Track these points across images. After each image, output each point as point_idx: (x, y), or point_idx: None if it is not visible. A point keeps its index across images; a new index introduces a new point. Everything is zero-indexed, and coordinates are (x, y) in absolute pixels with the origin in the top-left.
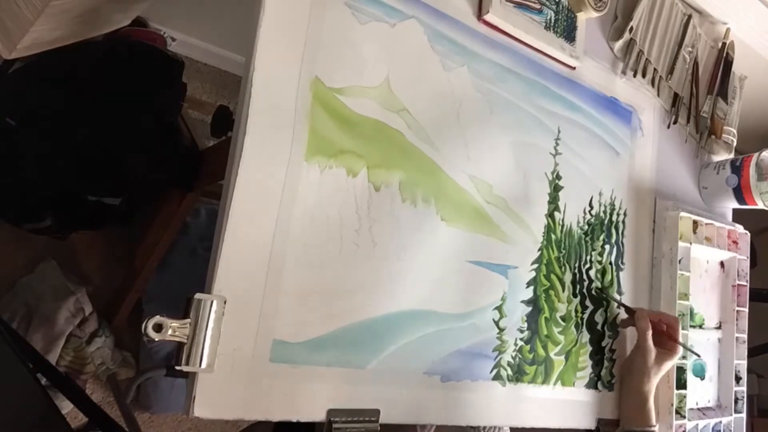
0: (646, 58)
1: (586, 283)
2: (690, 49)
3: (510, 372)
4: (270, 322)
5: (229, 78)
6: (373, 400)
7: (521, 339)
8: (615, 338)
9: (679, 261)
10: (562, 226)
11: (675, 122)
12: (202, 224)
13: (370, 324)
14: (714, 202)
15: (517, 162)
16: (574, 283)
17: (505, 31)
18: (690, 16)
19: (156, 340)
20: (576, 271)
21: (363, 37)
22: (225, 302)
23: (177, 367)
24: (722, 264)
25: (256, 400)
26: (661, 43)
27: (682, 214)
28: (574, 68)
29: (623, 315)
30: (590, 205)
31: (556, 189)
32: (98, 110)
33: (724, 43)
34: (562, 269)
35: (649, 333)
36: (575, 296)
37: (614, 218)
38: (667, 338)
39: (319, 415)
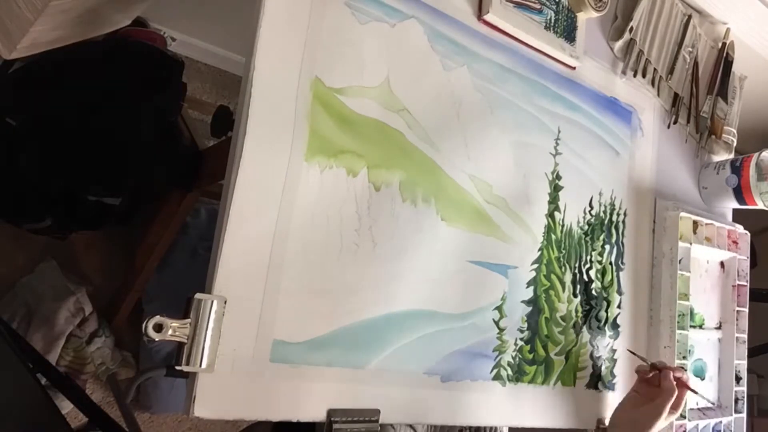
0: (646, 58)
1: (586, 283)
2: (690, 49)
3: (510, 372)
4: (270, 322)
5: (229, 78)
6: (373, 399)
7: (521, 339)
8: (615, 338)
9: (679, 261)
10: (562, 226)
11: (675, 122)
12: (202, 224)
13: (370, 324)
14: (714, 202)
15: (517, 162)
16: (574, 283)
17: (505, 31)
18: (690, 16)
19: (156, 340)
20: (576, 271)
21: (363, 37)
22: (225, 302)
23: (177, 367)
24: (722, 264)
25: (256, 400)
26: (661, 43)
27: (682, 214)
28: (574, 68)
29: (638, 361)
30: (590, 205)
31: (556, 189)
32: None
33: (724, 43)
34: (562, 269)
35: (675, 394)
36: (575, 296)
37: (614, 218)
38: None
39: (319, 415)
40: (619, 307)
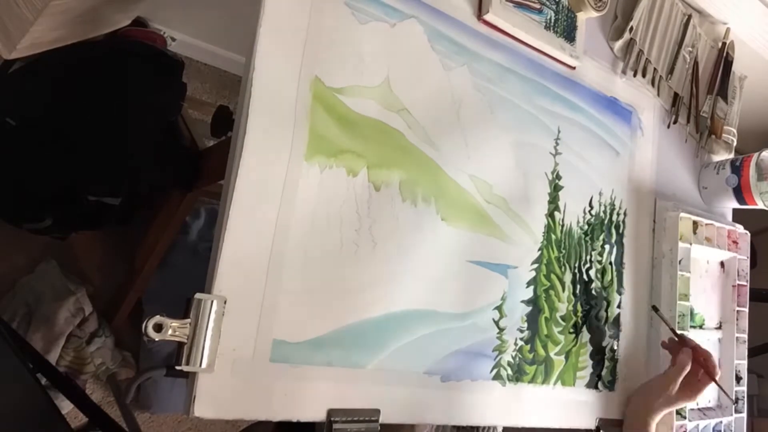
0: (646, 58)
1: (586, 283)
2: (690, 49)
3: (510, 372)
4: (270, 321)
5: (229, 78)
6: (373, 399)
7: (521, 339)
8: (615, 338)
9: (680, 262)
10: (562, 225)
11: (675, 122)
12: (202, 224)
13: (370, 324)
14: (714, 202)
15: (517, 162)
16: (574, 282)
17: (505, 30)
18: (690, 16)
19: (156, 340)
20: (576, 270)
21: (363, 37)
22: (225, 302)
23: (177, 367)
24: (722, 264)
25: (257, 399)
26: (661, 43)
27: (682, 214)
28: (574, 68)
29: (667, 334)
30: (590, 204)
31: (556, 189)
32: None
33: (724, 43)
34: (562, 269)
35: (687, 369)
36: (575, 296)
37: (614, 218)
38: (696, 380)
39: (319, 415)
40: (618, 306)
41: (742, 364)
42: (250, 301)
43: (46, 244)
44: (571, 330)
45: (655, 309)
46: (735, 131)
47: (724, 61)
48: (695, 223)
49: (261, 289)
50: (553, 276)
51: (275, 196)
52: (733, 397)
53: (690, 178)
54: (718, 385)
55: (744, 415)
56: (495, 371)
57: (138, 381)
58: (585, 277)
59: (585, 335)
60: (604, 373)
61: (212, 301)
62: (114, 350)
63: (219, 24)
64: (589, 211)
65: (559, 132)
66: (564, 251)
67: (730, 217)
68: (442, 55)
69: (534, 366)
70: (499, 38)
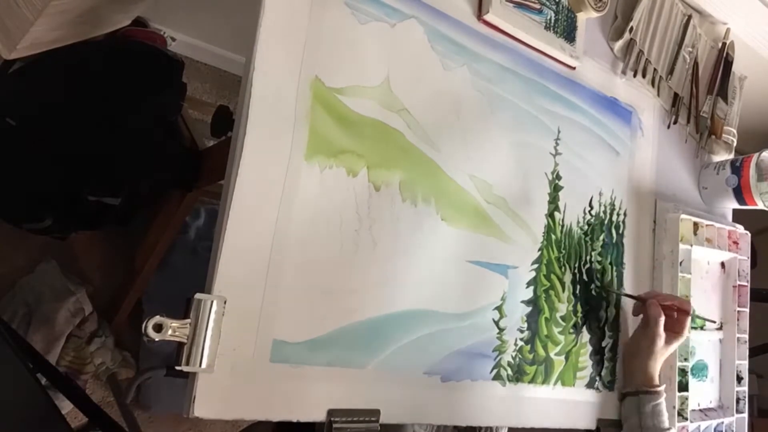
0: (646, 58)
1: (586, 283)
2: (690, 49)
3: (510, 372)
4: (270, 322)
5: (229, 78)
6: (373, 400)
7: (521, 339)
8: (615, 338)
9: (680, 263)
10: (562, 226)
11: (675, 122)
12: (202, 224)
13: (370, 324)
14: (714, 203)
15: (517, 162)
16: (574, 283)
17: (505, 31)
18: (690, 16)
19: (156, 340)
20: (576, 271)
21: (363, 37)
22: (225, 302)
23: (177, 368)
24: (723, 264)
25: (256, 400)
26: (661, 43)
27: (683, 216)
28: (574, 68)
29: (630, 303)
30: (590, 205)
31: (556, 189)
32: (98, 110)
33: (724, 43)
34: (562, 269)
35: (662, 320)
36: (575, 296)
37: (614, 218)
38: (674, 321)
39: (319, 415)
40: (617, 307)
41: (743, 365)
42: (250, 301)
43: (46, 244)
44: (571, 330)
45: (606, 288)
46: (735, 131)
47: (724, 61)
48: (696, 224)
49: (261, 289)
50: (553, 276)
51: (275, 196)
52: (718, 322)
53: (690, 179)
54: (697, 315)
55: (745, 415)
56: (495, 371)
57: (138, 381)
58: (585, 277)
59: (585, 335)
60: (603, 373)
61: (212, 301)
62: (114, 350)
63: (219, 24)
64: (589, 212)
65: (559, 132)
66: (564, 251)
67: (730, 218)
68: (442, 55)
69: (534, 366)
70: (499, 38)
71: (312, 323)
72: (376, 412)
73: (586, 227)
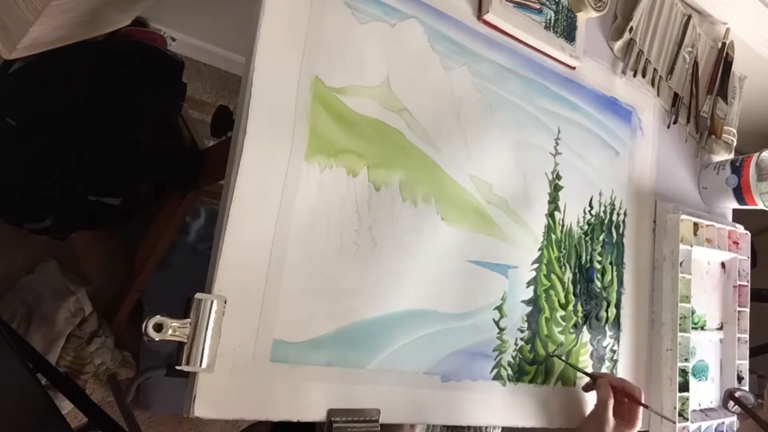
0: (646, 58)
1: (586, 283)
2: (690, 49)
3: (510, 372)
4: (270, 321)
5: (229, 78)
6: (373, 399)
7: (521, 339)
8: (616, 338)
9: (681, 264)
10: (562, 225)
11: (675, 122)
12: (202, 224)
13: (370, 324)
14: (714, 203)
15: (517, 162)
16: (574, 282)
17: (505, 31)
18: (690, 16)
19: (156, 339)
20: (576, 270)
21: (363, 37)
22: (225, 302)
23: (177, 367)
24: (723, 265)
25: (257, 400)
26: (661, 43)
27: (683, 216)
28: (574, 68)
29: (585, 380)
30: (590, 204)
31: (556, 189)
32: (98, 110)
33: (724, 43)
34: (563, 269)
35: (611, 402)
36: (575, 296)
37: (614, 218)
38: (626, 409)
39: (319, 415)
40: (618, 306)
41: (744, 365)
42: (251, 301)
43: (46, 244)
44: (572, 330)
45: (555, 355)
46: (735, 131)
47: (723, 61)
48: (696, 224)
49: (261, 288)
50: (553, 276)
51: (275, 196)
52: (674, 419)
53: (690, 179)
54: (647, 407)
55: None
56: (495, 371)
57: (138, 381)
58: (585, 277)
59: (585, 335)
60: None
61: (212, 301)
62: (114, 350)
63: (219, 24)
64: (589, 211)
65: (559, 132)
66: (564, 251)
67: (730, 218)
68: (442, 55)
69: (534, 366)
70: (499, 38)
71: (312, 323)
72: (376, 412)
73: (586, 227)
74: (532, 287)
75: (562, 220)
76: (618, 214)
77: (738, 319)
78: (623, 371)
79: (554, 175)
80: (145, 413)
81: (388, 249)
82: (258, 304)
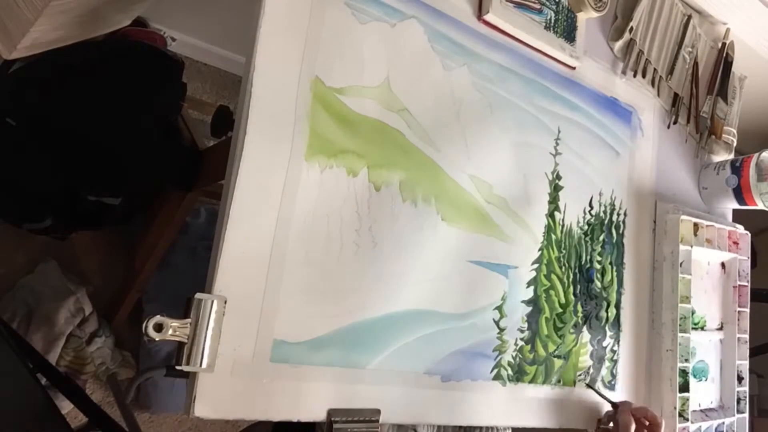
0: (646, 58)
1: (586, 283)
2: (690, 49)
3: (510, 372)
4: (270, 321)
5: (229, 78)
6: (373, 399)
7: (521, 339)
8: (616, 338)
9: (681, 264)
10: (563, 226)
11: (675, 122)
12: (202, 224)
13: (370, 324)
14: (714, 203)
15: (517, 162)
16: (574, 282)
17: (505, 31)
18: (690, 16)
19: (156, 339)
20: (576, 270)
21: (363, 37)
22: (225, 302)
23: (177, 367)
24: (723, 265)
25: (257, 400)
26: (661, 43)
27: (683, 217)
28: (574, 68)
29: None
30: (590, 205)
31: (556, 189)
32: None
33: (724, 43)
34: (563, 269)
35: (633, 428)
36: (575, 296)
37: (614, 218)
38: None
39: (319, 415)
40: (618, 307)
41: (744, 365)
42: (251, 301)
43: (46, 244)
44: (572, 330)
45: (589, 386)
46: (735, 131)
47: (723, 61)
48: (696, 224)
49: (261, 289)
50: (553, 276)
51: (275, 196)
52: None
53: (690, 179)
54: None
55: (746, 415)
56: (495, 371)
57: (138, 381)
58: (585, 277)
59: (585, 335)
60: (604, 373)
61: (212, 301)
62: (114, 350)
63: (219, 24)
64: (589, 212)
65: (559, 132)
66: (564, 251)
67: (730, 217)
68: (442, 55)
69: (534, 366)
70: (499, 38)
71: (312, 323)
72: (376, 412)
73: (586, 227)
74: (532, 287)
75: (562, 220)
76: (618, 215)
77: (738, 319)
78: (623, 371)
79: (554, 175)
80: (145, 413)
81: (388, 249)
82: (258, 304)
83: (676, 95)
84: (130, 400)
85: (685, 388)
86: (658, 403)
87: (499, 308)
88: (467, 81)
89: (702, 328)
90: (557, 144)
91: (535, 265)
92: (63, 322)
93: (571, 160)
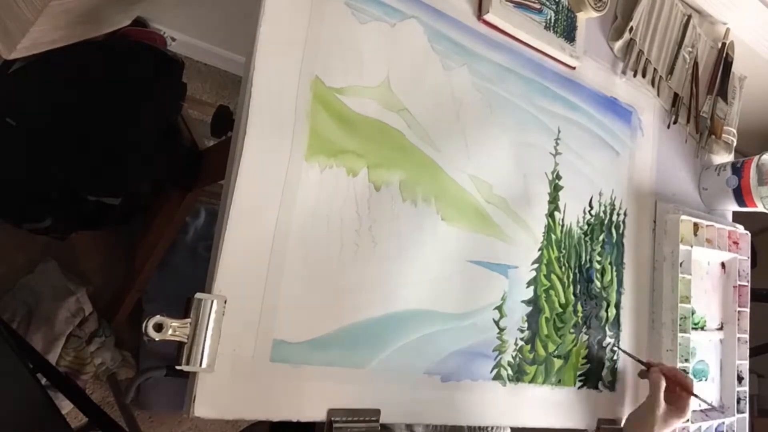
0: (646, 58)
1: (586, 283)
2: (690, 49)
3: (510, 372)
4: (270, 321)
5: (229, 78)
6: (373, 399)
7: (521, 339)
8: (615, 338)
9: (681, 264)
10: (562, 225)
11: (675, 122)
12: (202, 224)
13: (370, 324)
14: (714, 204)
15: (517, 162)
16: (574, 282)
17: (505, 31)
18: (690, 16)
19: (156, 339)
20: (576, 270)
21: (363, 37)
22: (225, 302)
23: (177, 367)
24: (723, 265)
25: (257, 400)
26: (661, 43)
27: (683, 217)
28: (574, 68)
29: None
30: (590, 205)
31: (556, 189)
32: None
33: (724, 43)
34: (563, 269)
35: (662, 386)
36: (575, 296)
37: (614, 218)
38: (677, 397)
39: (319, 415)
40: (618, 307)
41: (744, 365)
42: (251, 301)
43: (46, 244)
44: (572, 330)
45: (619, 348)
46: (735, 131)
47: (723, 61)
48: (696, 224)
49: (261, 289)
50: (553, 276)
51: (275, 196)
52: (719, 405)
53: (690, 179)
54: (697, 396)
55: (746, 415)
56: (495, 371)
57: (138, 381)
58: (585, 277)
59: (585, 335)
60: (604, 373)
61: (212, 301)
62: (114, 350)
63: (219, 24)
64: (589, 211)
65: (559, 132)
66: (564, 251)
67: (730, 217)
68: (442, 55)
69: (534, 366)
70: (499, 38)
71: (312, 323)
72: (376, 412)
73: (586, 227)
74: (532, 287)
75: (562, 220)
76: (618, 214)
77: (738, 319)
78: (623, 371)
79: (554, 175)
80: (145, 413)
81: (388, 249)
82: (258, 304)
83: (676, 95)
84: (130, 400)
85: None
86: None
87: (499, 308)
88: (467, 81)
89: (702, 328)
90: (557, 144)
91: (535, 265)
92: (63, 322)
93: (571, 160)
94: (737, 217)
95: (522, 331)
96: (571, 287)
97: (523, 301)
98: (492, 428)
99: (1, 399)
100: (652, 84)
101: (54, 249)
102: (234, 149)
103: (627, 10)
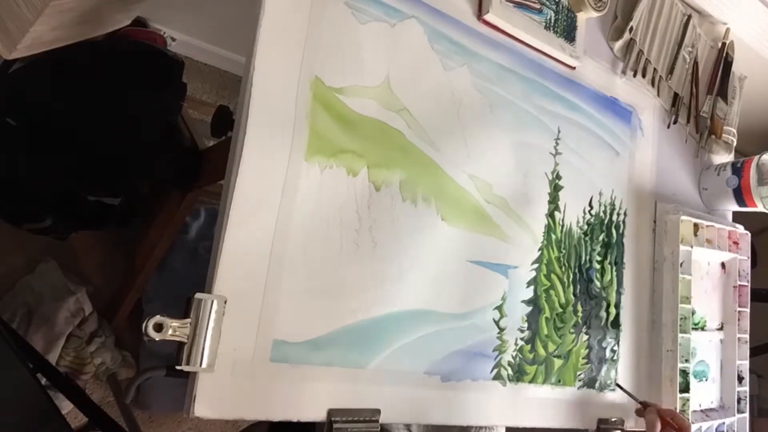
0: (646, 58)
1: (586, 283)
2: (690, 49)
3: (510, 372)
4: (270, 321)
5: (229, 78)
6: (373, 399)
7: (521, 339)
8: (615, 338)
9: (681, 264)
10: (562, 225)
11: (675, 122)
12: (202, 224)
13: (370, 324)
14: (714, 204)
15: (517, 162)
16: (574, 282)
17: (505, 30)
18: (690, 16)
19: (156, 339)
20: (576, 270)
21: (363, 37)
22: (225, 302)
23: (177, 367)
24: (723, 265)
25: (257, 399)
26: (661, 43)
27: (683, 217)
28: (574, 68)
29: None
30: (590, 204)
31: (556, 189)
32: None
33: (724, 43)
34: (563, 269)
35: (658, 427)
36: (575, 296)
37: (614, 218)
38: None
39: (319, 415)
40: (618, 306)
41: (744, 365)
42: (251, 301)
43: (46, 244)
44: (572, 330)
45: (618, 386)
46: (735, 131)
47: (723, 61)
48: (696, 225)
49: (261, 289)
50: (553, 276)
51: (275, 196)
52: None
53: (690, 178)
54: None
55: (746, 415)
56: (495, 371)
57: (138, 381)
58: (585, 277)
59: (585, 335)
60: (604, 373)
61: (212, 301)
62: (114, 350)
63: (219, 24)
64: (589, 211)
65: (559, 132)
66: (564, 251)
67: (730, 217)
68: (442, 55)
69: (534, 366)
70: (499, 38)
71: (312, 323)
72: (376, 412)
73: (586, 227)
74: (532, 287)
75: (562, 220)
76: (618, 214)
77: (738, 319)
78: (623, 372)
79: (554, 175)
80: (145, 413)
81: (388, 249)
82: (258, 304)
83: (676, 95)
84: (130, 400)
85: (685, 388)
86: (658, 403)
87: (499, 308)
88: (467, 81)
89: (702, 329)
90: (557, 144)
91: (535, 265)
92: (63, 322)
93: (571, 160)
94: (737, 217)
95: (522, 331)
96: (571, 287)
97: (523, 301)
98: (485, 428)
99: (1, 399)
100: (652, 84)
101: (54, 249)
102: (234, 149)
103: (627, 10)
